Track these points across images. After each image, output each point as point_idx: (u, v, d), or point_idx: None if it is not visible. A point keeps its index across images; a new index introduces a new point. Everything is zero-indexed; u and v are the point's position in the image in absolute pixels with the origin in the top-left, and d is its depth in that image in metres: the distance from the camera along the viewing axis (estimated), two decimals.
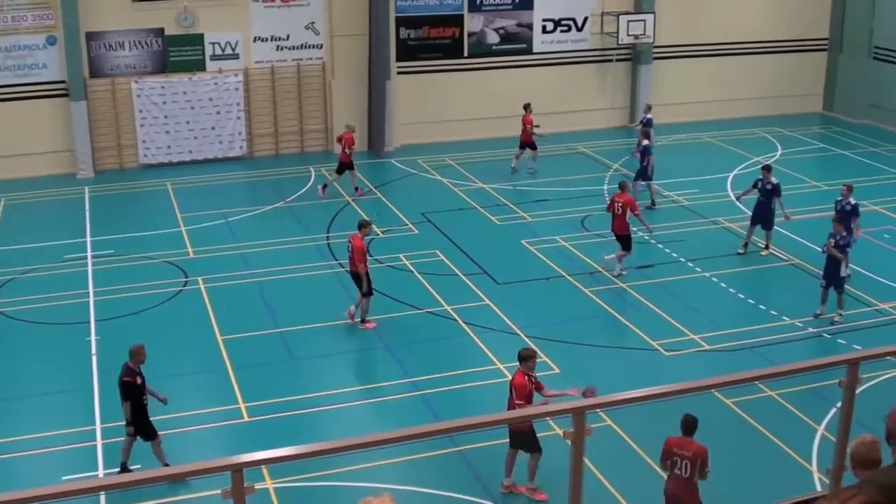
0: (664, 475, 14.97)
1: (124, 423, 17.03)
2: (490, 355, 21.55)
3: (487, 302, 24.18)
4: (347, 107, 36.49)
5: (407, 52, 37.60)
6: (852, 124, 41.62)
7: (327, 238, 28.16)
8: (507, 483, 16.87)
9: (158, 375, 19.02)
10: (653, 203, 30.78)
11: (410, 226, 29.15)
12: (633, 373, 20.33)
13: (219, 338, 22.12)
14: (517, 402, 16.12)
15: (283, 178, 33.94)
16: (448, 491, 16.72)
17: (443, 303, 24.07)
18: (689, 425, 14.62)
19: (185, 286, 25.07)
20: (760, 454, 18.00)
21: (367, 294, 22.85)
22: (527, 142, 34.03)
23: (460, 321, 23.17)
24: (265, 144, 36.56)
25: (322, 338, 22.37)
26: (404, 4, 37.16)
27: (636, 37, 39.05)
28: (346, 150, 31.55)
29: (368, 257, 23.41)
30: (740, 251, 27.19)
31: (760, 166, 28.44)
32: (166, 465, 16.67)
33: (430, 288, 24.85)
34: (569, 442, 8.32)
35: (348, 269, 23.31)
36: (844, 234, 22.98)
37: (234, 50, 35.61)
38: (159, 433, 17.27)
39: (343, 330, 22.75)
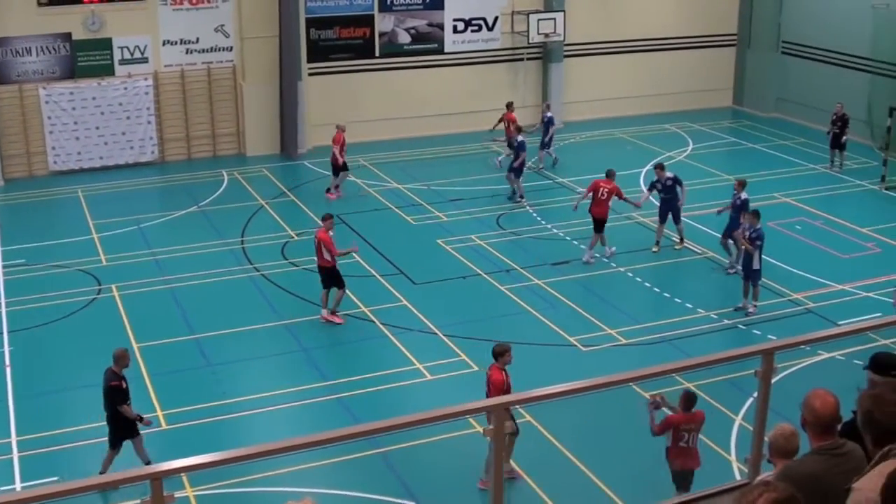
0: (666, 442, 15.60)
1: (109, 433, 16.82)
2: (409, 356, 21.52)
3: (405, 302, 24.16)
4: (259, 109, 36.26)
5: (318, 53, 37.44)
6: (761, 118, 42.21)
7: (242, 242, 27.95)
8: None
9: (75, 385, 18.76)
10: (517, 195, 31.33)
11: None
12: (551, 369, 20.42)
13: (134, 345, 21.83)
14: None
15: (196, 182, 33.64)
16: (370, 493, 16.67)
17: (360, 305, 24.00)
18: (691, 400, 15.59)
19: (98, 294, 24.73)
20: None
21: (341, 286, 23.14)
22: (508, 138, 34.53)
23: (378, 322, 23.13)
24: (177, 149, 36.20)
25: (239, 343, 22.20)
26: (314, 5, 37.01)
27: (546, 35, 39.25)
28: (339, 151, 31.49)
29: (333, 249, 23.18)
30: (654, 250, 27.39)
31: (654, 165, 28.35)
32: (149, 462, 16.36)
33: (346, 290, 24.76)
34: (489, 439, 8.33)
35: (317, 264, 23.43)
36: (758, 226, 23.30)
37: (143, 54, 35.20)
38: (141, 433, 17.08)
39: (260, 334, 22.61)
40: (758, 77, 43.40)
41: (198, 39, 35.78)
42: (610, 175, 26.86)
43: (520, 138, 31.21)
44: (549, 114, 34.37)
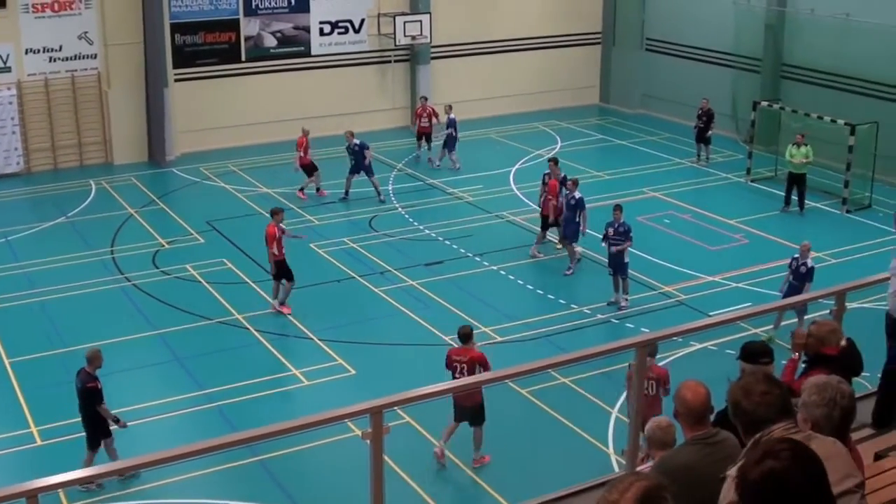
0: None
1: (87, 434, 17.06)
2: (285, 362, 21.41)
3: (279, 308, 24.00)
4: (125, 117, 35.71)
5: (184, 58, 37.00)
6: (628, 114, 42.86)
7: (112, 252, 27.50)
8: (441, 447, 17.50)
9: None
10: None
11: (196, 235, 28.70)
12: (427, 369, 20.44)
13: (6, 360, 21.36)
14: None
15: (63, 192, 32.99)
16: (251, 501, 16.55)
17: (233, 312, 23.78)
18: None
19: None
20: (558, 440, 18.35)
21: (290, 279, 23.79)
22: (425, 132, 35.59)
23: (252, 329, 22.94)
24: (43, 159, 35.42)
25: (113, 354, 21.66)
26: (178, 10, 36.58)
27: (413, 37, 39.34)
28: (303, 153, 31.81)
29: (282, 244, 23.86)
30: (536, 254, 27.55)
31: (569, 180, 28.47)
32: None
33: (219, 297, 24.53)
34: (368, 442, 8.32)
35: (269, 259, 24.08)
36: (622, 220, 23.69)
37: (5, 63, 34.37)
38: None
39: (134, 345, 22.25)
40: (623, 75, 44.08)
41: (61, 47, 35.05)
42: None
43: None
44: (451, 115, 34.53)
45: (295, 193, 31.93)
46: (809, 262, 22.00)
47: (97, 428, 17.00)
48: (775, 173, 33.37)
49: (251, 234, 28.45)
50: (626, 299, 23.84)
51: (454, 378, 16.73)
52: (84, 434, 17.16)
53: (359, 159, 31.31)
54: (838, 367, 8.38)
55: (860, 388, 11.34)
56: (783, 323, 21.54)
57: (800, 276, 21.78)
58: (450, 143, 34.56)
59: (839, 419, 6.13)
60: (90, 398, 16.84)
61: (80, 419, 17.24)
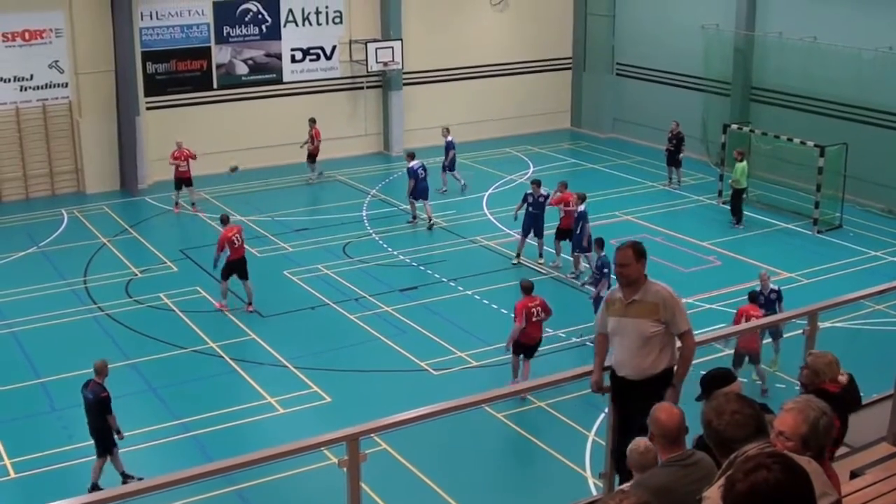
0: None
1: (97, 443, 17.61)
2: (260, 390, 21.32)
3: (253, 336, 23.94)
4: (97, 145, 35.62)
5: (155, 86, 36.95)
6: (600, 138, 43.05)
7: (85, 282, 27.39)
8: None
9: None
10: (414, 219, 32.11)
11: (169, 264, 28.62)
12: (403, 394, 20.44)
13: None
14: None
15: (35, 222, 32.81)
16: None
17: (207, 340, 23.70)
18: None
19: None
20: (535, 464, 18.38)
21: (226, 278, 25.38)
22: (314, 154, 35.80)
23: (227, 358, 22.86)
24: (14, 189, 35.26)
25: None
26: (149, 39, 36.55)
27: (385, 64, 39.42)
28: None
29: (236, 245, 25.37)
30: (514, 262, 27.92)
31: (531, 181, 29.30)
32: (123, 472, 17.49)
33: (193, 326, 24.45)
34: (344, 470, 8.31)
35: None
36: (602, 254, 23.67)
37: None
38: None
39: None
40: (594, 99, 44.30)
41: (32, 76, 34.94)
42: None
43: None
44: (449, 138, 34.69)
45: (257, 219, 31.89)
46: (773, 287, 21.97)
47: (106, 438, 17.48)
48: (746, 195, 33.55)
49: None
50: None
51: (532, 322, 20.89)
52: (93, 443, 17.73)
53: (419, 182, 31.42)
54: (839, 404, 8.19)
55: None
56: (795, 332, 21.28)
57: (770, 304, 21.51)
58: (451, 163, 35.08)
59: (821, 439, 6.15)
60: (103, 408, 17.28)
61: (88, 433, 17.83)
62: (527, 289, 21.08)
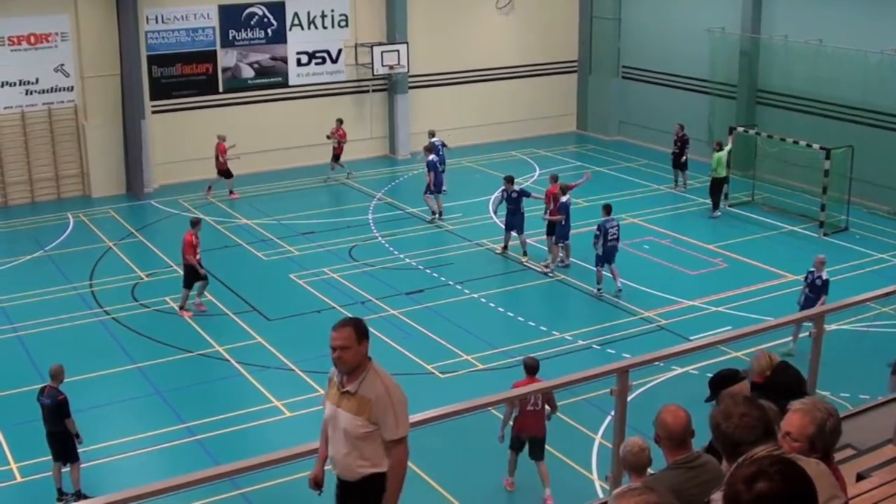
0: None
1: (57, 447, 17.43)
2: (266, 394, 21.31)
3: (259, 339, 23.94)
4: (103, 149, 35.64)
5: (161, 90, 36.98)
6: (605, 141, 43.03)
7: (91, 285, 27.40)
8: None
9: None
10: (438, 215, 32.40)
11: (175, 267, 28.55)
12: (410, 397, 20.31)
13: None
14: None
15: (41, 226, 32.87)
16: None
17: (214, 344, 23.71)
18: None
19: None
20: None
21: (204, 278, 25.46)
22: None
23: (233, 361, 22.86)
24: (20, 192, 35.30)
25: (92, 389, 21.67)
26: (155, 42, 36.57)
27: (391, 67, 39.43)
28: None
29: (198, 251, 25.38)
30: (498, 252, 28.78)
31: (503, 177, 29.68)
32: (78, 490, 17.22)
33: (199, 330, 24.45)
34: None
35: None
36: (607, 218, 25.77)
37: None
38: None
39: (113, 379, 22.15)
40: (600, 102, 44.27)
41: (37, 80, 34.97)
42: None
43: (430, 157, 32.44)
44: (434, 140, 34.82)
45: (263, 222, 31.90)
46: (824, 275, 22.73)
47: (65, 444, 17.33)
48: (752, 198, 33.54)
49: (231, 265, 28.45)
50: (599, 288, 26.02)
51: (527, 410, 17.01)
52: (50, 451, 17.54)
53: (437, 175, 32.11)
54: (767, 393, 8.24)
55: (842, 408, 11.36)
56: (801, 335, 21.28)
57: (816, 289, 22.58)
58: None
59: (827, 440, 6.14)
60: (62, 411, 17.14)
61: (48, 442, 17.56)
62: (531, 368, 17.20)
